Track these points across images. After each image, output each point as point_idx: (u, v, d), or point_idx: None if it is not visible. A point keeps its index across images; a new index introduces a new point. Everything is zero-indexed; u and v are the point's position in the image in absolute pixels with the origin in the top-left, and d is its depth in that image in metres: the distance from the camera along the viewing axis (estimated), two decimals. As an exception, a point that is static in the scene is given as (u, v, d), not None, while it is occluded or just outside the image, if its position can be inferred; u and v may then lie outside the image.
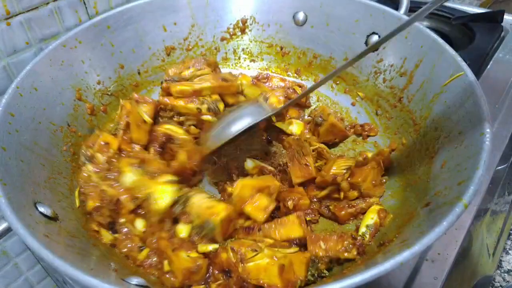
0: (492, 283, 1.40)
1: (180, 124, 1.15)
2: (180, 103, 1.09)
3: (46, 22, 1.17)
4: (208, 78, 1.13)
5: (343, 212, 0.97)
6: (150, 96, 1.35)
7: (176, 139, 1.09)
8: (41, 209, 0.82)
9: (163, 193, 0.93)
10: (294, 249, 0.88)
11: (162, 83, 1.15)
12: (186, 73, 1.24)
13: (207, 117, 1.10)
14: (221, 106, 1.10)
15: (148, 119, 1.09)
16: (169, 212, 0.92)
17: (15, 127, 0.91)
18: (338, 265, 0.90)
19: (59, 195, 0.95)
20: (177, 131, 1.09)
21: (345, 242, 0.90)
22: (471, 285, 1.18)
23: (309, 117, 1.25)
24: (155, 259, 0.90)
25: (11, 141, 0.88)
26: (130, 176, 0.98)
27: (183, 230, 0.89)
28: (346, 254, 0.88)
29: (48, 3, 1.15)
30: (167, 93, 1.14)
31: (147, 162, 1.02)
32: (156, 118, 1.13)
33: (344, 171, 1.02)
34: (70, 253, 0.77)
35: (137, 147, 1.10)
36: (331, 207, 1.01)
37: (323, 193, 1.03)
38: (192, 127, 1.12)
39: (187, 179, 1.07)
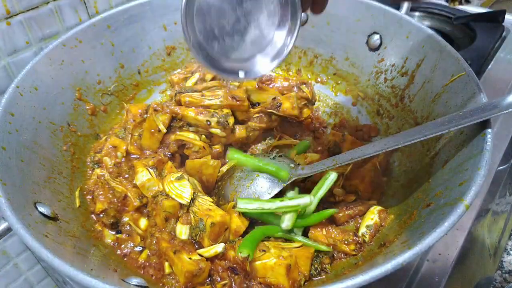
0: (493, 284, 1.39)
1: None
2: (191, 114, 1.10)
3: (46, 22, 1.17)
4: (218, 95, 1.13)
5: (341, 214, 0.97)
6: (150, 95, 1.35)
7: (192, 146, 1.09)
8: (41, 209, 0.82)
9: (182, 187, 0.93)
10: (298, 243, 0.89)
11: (176, 95, 1.15)
12: (192, 80, 1.26)
13: (216, 130, 1.09)
14: (230, 121, 1.10)
15: (163, 128, 1.10)
16: (177, 209, 0.93)
17: (15, 126, 0.91)
18: (338, 260, 0.91)
19: (59, 195, 0.95)
20: (194, 138, 1.10)
21: (346, 235, 0.91)
22: (472, 285, 1.18)
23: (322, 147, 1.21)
24: (155, 260, 0.90)
25: (11, 141, 0.88)
26: (143, 175, 0.98)
27: (182, 230, 0.89)
28: (344, 247, 0.90)
29: (48, 3, 1.15)
30: (178, 103, 1.14)
31: (162, 165, 1.04)
32: (168, 127, 1.13)
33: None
34: (70, 253, 0.77)
35: (147, 152, 1.12)
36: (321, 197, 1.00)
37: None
38: (203, 136, 1.12)
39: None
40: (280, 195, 0.96)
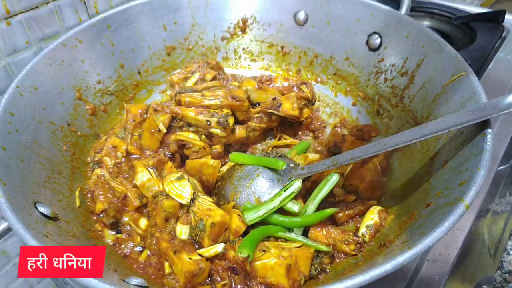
0: (493, 284, 1.39)
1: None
2: (191, 114, 1.10)
3: (46, 22, 1.17)
4: (218, 95, 1.13)
5: (340, 214, 0.96)
6: (150, 95, 1.35)
7: (192, 146, 1.09)
8: (41, 209, 0.82)
9: (182, 187, 0.93)
10: (298, 243, 0.89)
11: (176, 95, 1.15)
12: (192, 80, 1.26)
13: (216, 130, 1.09)
14: (230, 121, 1.10)
15: (163, 128, 1.10)
16: (177, 209, 0.93)
17: (15, 126, 0.91)
18: (338, 260, 0.91)
19: (59, 195, 0.95)
20: (193, 138, 1.10)
21: (346, 235, 0.91)
22: (472, 285, 1.18)
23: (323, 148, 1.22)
24: (155, 260, 0.90)
25: (11, 141, 0.88)
26: (143, 175, 0.98)
27: (182, 230, 0.89)
28: (344, 247, 0.90)
29: (48, 3, 1.15)
30: (179, 103, 1.15)
31: (162, 165, 1.04)
32: (168, 127, 1.13)
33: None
34: (70, 253, 0.77)
35: (147, 152, 1.12)
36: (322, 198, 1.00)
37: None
38: (203, 136, 1.12)
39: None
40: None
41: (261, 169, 1.00)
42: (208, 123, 1.08)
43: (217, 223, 0.87)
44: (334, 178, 0.95)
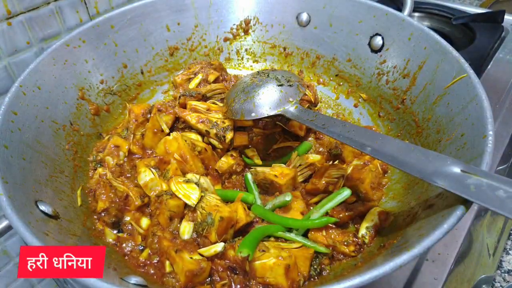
0: (492, 283, 1.40)
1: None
2: (192, 120, 1.09)
3: (47, 22, 1.17)
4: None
5: (341, 215, 0.96)
6: (153, 95, 1.36)
7: (195, 146, 1.09)
8: (42, 207, 0.82)
9: (190, 189, 0.93)
10: (298, 243, 0.90)
11: (179, 97, 1.16)
12: (195, 82, 1.26)
13: (214, 141, 1.09)
14: (228, 136, 1.09)
15: (166, 128, 1.10)
16: (182, 209, 0.93)
17: (17, 125, 0.92)
18: (338, 261, 0.91)
19: (61, 193, 0.95)
20: (196, 139, 1.10)
21: (346, 237, 0.91)
22: (471, 285, 1.18)
23: (323, 150, 1.21)
24: (156, 259, 0.90)
25: (13, 139, 0.89)
26: (146, 175, 0.99)
27: (186, 229, 0.89)
28: (343, 248, 0.90)
29: (49, 3, 1.15)
30: (182, 105, 1.15)
31: (164, 165, 1.04)
32: (171, 127, 1.14)
33: (336, 179, 1.01)
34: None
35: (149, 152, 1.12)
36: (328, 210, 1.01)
37: (315, 199, 1.03)
38: (206, 138, 1.12)
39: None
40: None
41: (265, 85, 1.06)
42: (207, 132, 1.08)
43: (226, 218, 0.88)
44: (345, 193, 0.95)
